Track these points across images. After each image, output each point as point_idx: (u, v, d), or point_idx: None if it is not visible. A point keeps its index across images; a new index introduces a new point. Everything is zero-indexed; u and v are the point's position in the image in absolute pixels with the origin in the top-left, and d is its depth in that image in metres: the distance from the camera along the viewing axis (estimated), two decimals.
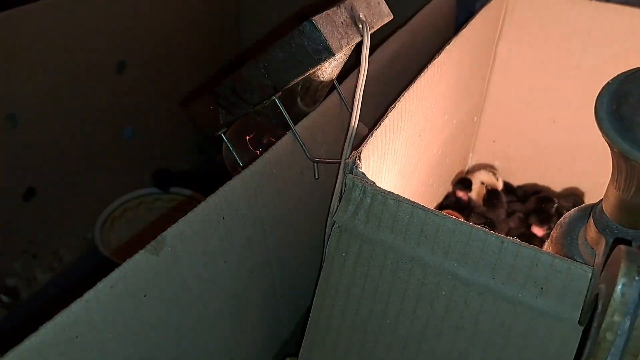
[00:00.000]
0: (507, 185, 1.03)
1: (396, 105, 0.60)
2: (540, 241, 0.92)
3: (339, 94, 0.62)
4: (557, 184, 1.01)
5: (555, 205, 0.96)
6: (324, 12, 0.49)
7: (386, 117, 0.58)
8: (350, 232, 0.51)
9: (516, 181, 1.05)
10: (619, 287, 0.28)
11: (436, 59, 0.69)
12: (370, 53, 0.76)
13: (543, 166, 1.02)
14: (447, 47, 0.72)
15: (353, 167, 0.51)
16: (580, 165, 0.98)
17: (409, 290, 0.48)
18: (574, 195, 0.97)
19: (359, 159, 0.52)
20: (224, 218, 0.49)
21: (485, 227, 0.43)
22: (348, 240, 0.52)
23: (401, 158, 0.71)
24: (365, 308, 0.52)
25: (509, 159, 1.04)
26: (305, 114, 0.58)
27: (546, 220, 0.91)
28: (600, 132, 0.37)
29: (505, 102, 0.98)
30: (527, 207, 0.96)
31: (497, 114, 1.00)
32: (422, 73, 0.66)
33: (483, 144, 1.04)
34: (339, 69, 0.59)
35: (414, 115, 0.69)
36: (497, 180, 0.99)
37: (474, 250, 0.43)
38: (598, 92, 0.89)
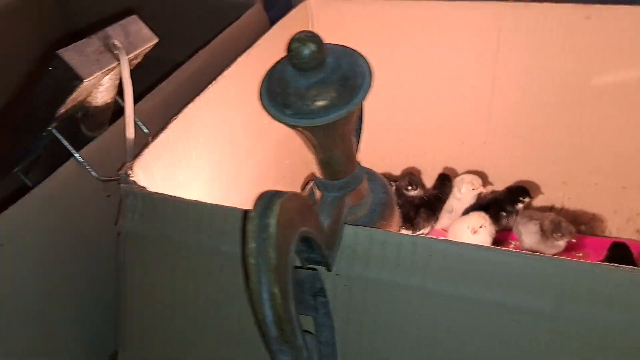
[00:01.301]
0: None
1: (178, 117, 0.65)
2: None
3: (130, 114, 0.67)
4: (395, 168, 1.10)
5: (394, 186, 1.04)
6: (72, 44, 0.54)
7: (167, 128, 0.63)
8: (133, 236, 0.55)
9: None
10: (249, 221, 0.32)
11: (227, 70, 0.75)
12: (171, 72, 0.81)
13: (379, 153, 1.10)
14: (239, 59, 0.78)
15: (126, 177, 0.55)
16: (410, 147, 1.07)
17: (201, 277, 0.52)
18: (409, 174, 1.05)
19: (131, 169, 0.56)
20: (2, 245, 0.52)
21: None
22: (133, 244, 0.56)
23: (209, 165, 0.76)
24: (164, 302, 0.56)
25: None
26: (92, 138, 0.62)
27: None
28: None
29: None
30: None
31: None
32: (210, 85, 0.71)
33: None
34: (113, 92, 0.63)
35: (212, 123, 0.74)
36: None
37: (234, 228, 0.48)
38: (406, 80, 0.99)
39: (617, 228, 1.02)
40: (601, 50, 0.85)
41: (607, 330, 0.39)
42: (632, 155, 0.93)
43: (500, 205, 0.99)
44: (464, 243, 0.39)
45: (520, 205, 0.99)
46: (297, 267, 0.39)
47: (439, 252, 0.40)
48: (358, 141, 0.49)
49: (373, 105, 1.05)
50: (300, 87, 0.40)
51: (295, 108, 0.39)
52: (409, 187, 1.03)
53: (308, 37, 0.39)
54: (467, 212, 1.00)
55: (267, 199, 0.30)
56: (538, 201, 1.04)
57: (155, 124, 0.65)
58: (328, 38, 0.98)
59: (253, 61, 0.81)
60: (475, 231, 0.92)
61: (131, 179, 0.55)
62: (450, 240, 0.39)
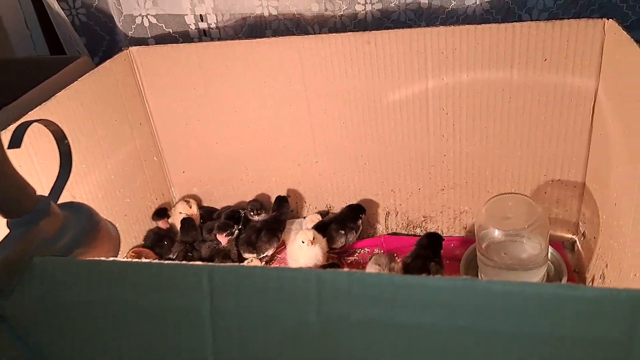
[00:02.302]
0: (209, 209, 1.17)
1: None
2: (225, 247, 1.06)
3: None
4: (245, 196, 1.17)
5: (243, 213, 1.11)
6: None
7: None
8: None
9: (221, 203, 1.19)
10: None
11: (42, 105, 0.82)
12: None
13: (233, 184, 1.17)
14: (56, 95, 0.85)
15: None
16: (255, 174, 1.14)
17: None
18: (252, 201, 1.13)
19: None
20: None
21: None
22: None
23: None
24: None
25: (204, 185, 1.18)
26: None
27: (225, 228, 1.06)
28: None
29: (177, 139, 1.13)
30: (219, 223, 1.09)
31: (176, 150, 1.15)
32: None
33: (176, 176, 1.18)
34: None
35: None
36: (191, 207, 1.13)
37: None
38: (236, 114, 1.03)
39: (447, 227, 1.11)
40: (382, 69, 0.95)
41: None
42: (439, 159, 1.02)
43: (340, 223, 1.07)
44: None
45: (359, 222, 1.07)
46: None
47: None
48: (66, 179, 0.55)
49: (214, 139, 1.13)
50: None
51: None
52: (252, 213, 1.10)
53: None
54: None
55: None
56: (375, 210, 1.12)
57: None
58: (151, 81, 1.07)
59: (71, 99, 0.88)
60: (312, 242, 0.99)
61: None
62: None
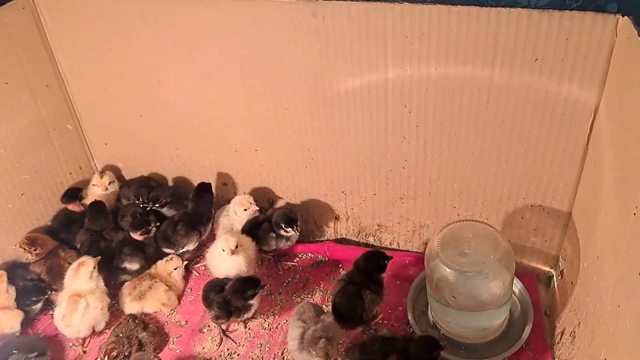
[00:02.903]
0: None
1: None
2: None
3: None
4: (168, 172, 1.01)
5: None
6: None
7: None
8: None
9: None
10: None
11: None
12: None
13: (162, 164, 1.00)
14: None
15: None
16: (185, 155, 0.97)
17: None
18: (178, 186, 0.96)
19: None
20: None
21: None
22: None
23: None
24: None
25: (130, 160, 1.01)
26: None
27: (140, 226, 0.90)
28: None
29: (97, 106, 0.95)
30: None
31: (96, 119, 0.97)
32: None
33: (99, 149, 1.01)
34: None
35: None
36: (106, 181, 0.96)
37: None
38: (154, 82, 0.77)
39: (405, 240, 0.93)
40: (332, 50, 0.75)
41: None
42: (398, 164, 0.84)
43: (271, 225, 0.90)
44: None
45: (289, 232, 0.89)
46: None
47: None
48: None
49: (138, 111, 0.94)
50: None
51: None
52: (156, 205, 0.93)
53: None
54: (242, 231, 0.91)
55: None
56: (323, 212, 0.95)
57: None
58: (61, 38, 0.87)
59: None
60: (233, 252, 0.83)
61: None
62: None
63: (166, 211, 0.94)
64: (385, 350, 0.70)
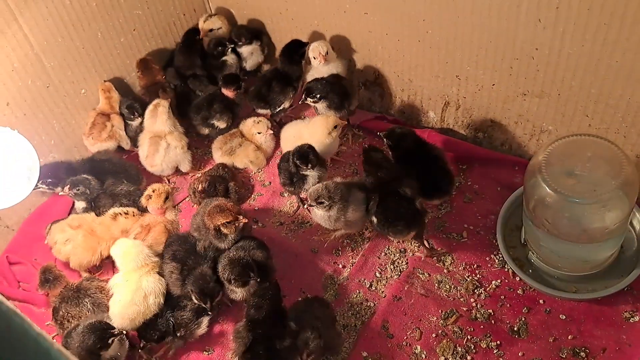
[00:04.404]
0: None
1: None
2: None
3: None
4: (276, 26, 0.94)
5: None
6: None
7: None
8: None
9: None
10: None
11: None
12: None
13: (270, 16, 0.94)
14: None
15: None
16: (294, 9, 0.89)
17: None
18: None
19: None
20: None
21: None
22: None
23: None
24: None
25: (239, 3, 0.97)
26: None
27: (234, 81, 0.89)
28: None
29: None
30: None
31: None
32: None
33: None
34: None
35: None
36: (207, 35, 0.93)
37: None
38: None
39: (519, 144, 0.81)
40: None
41: None
42: (527, 52, 0.69)
43: None
44: None
45: None
46: None
47: None
48: None
49: None
50: None
51: None
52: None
53: None
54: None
55: None
56: (431, 94, 0.84)
57: None
58: None
59: None
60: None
61: None
62: None
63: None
64: None
